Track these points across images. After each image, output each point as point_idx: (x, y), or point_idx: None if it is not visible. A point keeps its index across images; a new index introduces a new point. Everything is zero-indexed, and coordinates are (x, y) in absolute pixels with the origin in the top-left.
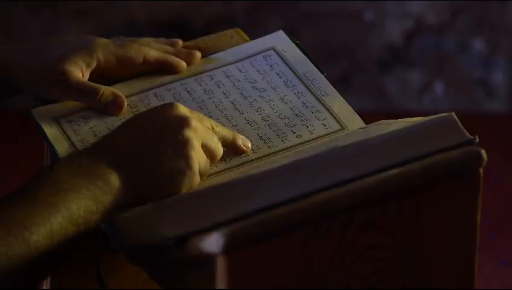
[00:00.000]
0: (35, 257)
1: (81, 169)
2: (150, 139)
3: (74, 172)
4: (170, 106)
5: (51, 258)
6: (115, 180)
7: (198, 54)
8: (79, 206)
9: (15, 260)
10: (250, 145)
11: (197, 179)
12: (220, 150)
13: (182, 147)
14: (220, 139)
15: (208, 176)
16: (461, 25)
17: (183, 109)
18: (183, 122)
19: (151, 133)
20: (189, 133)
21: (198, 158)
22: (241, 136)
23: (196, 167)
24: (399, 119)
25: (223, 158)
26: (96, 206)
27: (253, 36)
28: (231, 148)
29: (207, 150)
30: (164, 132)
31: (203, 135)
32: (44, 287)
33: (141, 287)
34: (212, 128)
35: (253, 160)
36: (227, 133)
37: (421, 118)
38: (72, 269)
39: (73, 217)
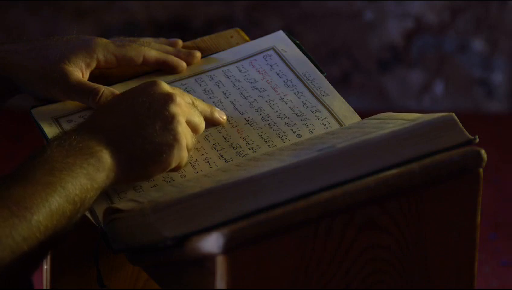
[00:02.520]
0: (38, 237)
1: (72, 149)
2: (137, 115)
3: (66, 152)
4: (153, 83)
5: (51, 238)
6: (106, 157)
7: (198, 54)
8: (74, 185)
9: (19, 240)
10: (225, 117)
11: (185, 153)
12: (202, 124)
13: (169, 122)
14: (200, 112)
15: (208, 174)
16: (461, 25)
17: (165, 86)
18: (168, 98)
19: (138, 110)
20: (174, 108)
21: (185, 133)
22: (217, 108)
23: (184, 141)
24: (397, 113)
25: (223, 157)
26: (91, 184)
27: (253, 36)
28: (209, 121)
29: (190, 125)
30: (151, 108)
31: (187, 110)
32: (44, 287)
33: (141, 287)
34: (193, 103)
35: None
36: (205, 106)
37: (419, 114)
38: (72, 269)
39: (70, 196)
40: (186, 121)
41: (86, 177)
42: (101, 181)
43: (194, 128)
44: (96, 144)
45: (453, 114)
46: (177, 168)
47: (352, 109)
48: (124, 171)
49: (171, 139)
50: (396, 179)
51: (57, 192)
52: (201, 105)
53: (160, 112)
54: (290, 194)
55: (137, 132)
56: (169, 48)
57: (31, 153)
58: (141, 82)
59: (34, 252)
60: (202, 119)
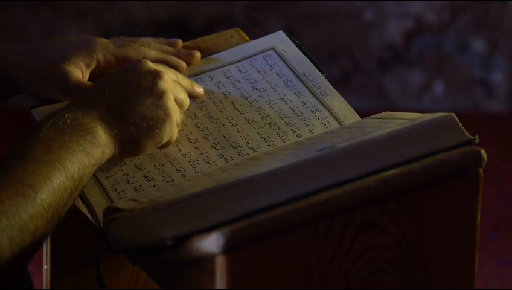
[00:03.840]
0: (43, 214)
1: (67, 126)
2: (127, 93)
3: (61, 130)
4: (138, 62)
5: (54, 215)
6: (101, 133)
7: (198, 54)
8: (73, 161)
9: (26, 218)
10: (202, 89)
11: (175, 128)
12: (187, 100)
13: (159, 98)
14: (183, 86)
15: (207, 174)
16: (461, 25)
17: (150, 64)
18: (156, 75)
19: (127, 87)
20: (163, 84)
21: (174, 108)
22: (195, 82)
23: (174, 116)
24: (397, 113)
25: (222, 157)
26: (88, 160)
27: (253, 36)
28: (191, 95)
29: (177, 101)
30: (140, 86)
31: (173, 87)
32: (44, 287)
33: (141, 287)
34: (176, 77)
35: None
36: (186, 81)
37: (419, 114)
38: (72, 269)
39: (70, 172)
40: (173, 97)
41: (83, 154)
42: (97, 157)
43: (180, 104)
44: (90, 120)
45: (453, 114)
46: (168, 144)
47: (352, 109)
48: (118, 146)
49: (162, 115)
50: (396, 179)
51: (57, 169)
52: (183, 80)
53: (149, 88)
54: (290, 194)
55: (129, 108)
56: (169, 48)
57: (25, 133)
58: None
59: (40, 230)
60: (187, 95)
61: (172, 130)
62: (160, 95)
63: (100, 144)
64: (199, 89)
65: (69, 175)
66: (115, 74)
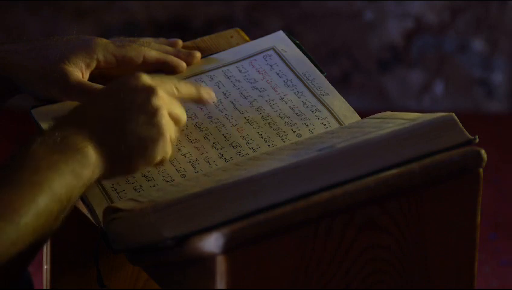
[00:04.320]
0: (26, 239)
1: (57, 145)
2: (120, 109)
3: (51, 149)
4: (133, 76)
5: (39, 238)
6: (91, 152)
7: (198, 54)
8: (61, 183)
9: (7, 243)
10: (213, 93)
11: (169, 146)
12: (184, 116)
13: (152, 116)
14: (186, 97)
15: (207, 174)
16: (461, 25)
17: (145, 78)
18: (150, 91)
19: (120, 104)
20: (157, 101)
21: (168, 126)
22: (204, 87)
23: (168, 135)
24: (397, 113)
25: (223, 157)
26: (77, 181)
27: (253, 36)
28: (199, 102)
29: (172, 116)
30: (133, 102)
31: (168, 102)
32: (44, 287)
33: (141, 287)
34: (177, 89)
35: None
36: (191, 88)
37: (419, 114)
38: (72, 269)
39: (57, 194)
40: (168, 113)
41: (72, 175)
42: (86, 178)
43: (175, 120)
44: (81, 139)
45: (453, 114)
46: (162, 162)
47: (352, 109)
48: (109, 166)
49: (155, 133)
50: (396, 179)
51: (43, 192)
52: (186, 88)
53: (143, 106)
54: (290, 194)
55: (121, 126)
56: (169, 48)
57: (14, 152)
58: None
59: (23, 255)
60: (183, 110)
61: (165, 149)
62: (154, 112)
63: (90, 164)
64: (207, 92)
65: (56, 197)
66: (109, 89)
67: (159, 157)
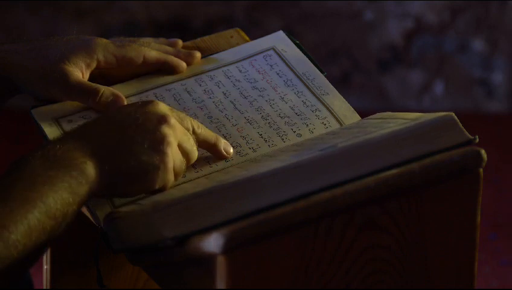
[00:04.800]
0: (15, 256)
1: (55, 160)
2: (127, 131)
3: (50, 164)
4: (151, 102)
5: (30, 255)
6: (90, 169)
7: (198, 54)
8: (55, 199)
9: None
10: (231, 150)
11: (171, 176)
12: (195, 153)
13: (158, 143)
14: (202, 141)
15: (208, 177)
16: (461, 25)
17: (163, 107)
18: (162, 118)
19: (129, 125)
20: (167, 130)
21: (174, 156)
22: (224, 140)
23: (171, 165)
24: (397, 113)
25: None
26: (73, 198)
27: (253, 36)
28: (213, 152)
29: (182, 150)
30: (142, 126)
31: (180, 135)
32: (44, 287)
33: (141, 287)
34: (193, 130)
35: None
36: (209, 135)
37: (419, 113)
38: (72, 269)
39: (51, 211)
40: (178, 145)
41: (68, 191)
42: (83, 195)
43: (185, 155)
44: (81, 155)
45: (453, 114)
46: (160, 191)
47: (352, 109)
48: (107, 185)
49: (157, 160)
50: (396, 179)
51: (37, 208)
52: (205, 133)
53: (151, 130)
54: (290, 194)
55: (125, 146)
56: (169, 48)
57: (13, 163)
58: (141, 82)
59: (10, 271)
60: (195, 148)
61: (165, 178)
62: (161, 139)
63: (87, 180)
64: (226, 149)
65: (51, 213)
66: (121, 110)
67: (157, 186)
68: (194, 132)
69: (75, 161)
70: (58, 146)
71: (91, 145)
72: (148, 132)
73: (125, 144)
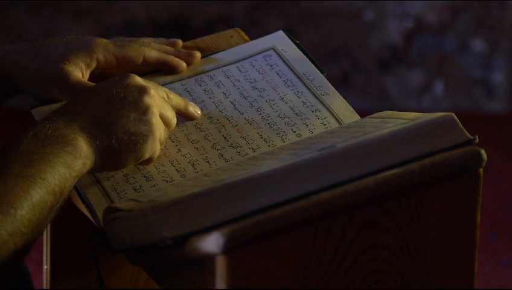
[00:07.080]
0: (22, 231)
1: (48, 138)
2: (112, 105)
3: (42, 142)
4: (127, 76)
5: (34, 230)
6: (82, 144)
7: (198, 54)
8: (53, 175)
9: (5, 236)
10: (199, 111)
11: (158, 145)
12: (174, 119)
13: (143, 113)
14: (174, 106)
15: (208, 173)
16: (461, 25)
17: (139, 79)
18: (143, 90)
19: (112, 100)
20: (149, 100)
21: (158, 125)
22: (192, 103)
23: (157, 133)
24: (396, 112)
25: (223, 157)
26: (69, 172)
27: (253, 36)
28: (184, 115)
29: (163, 118)
30: (125, 99)
31: (160, 104)
32: (44, 287)
33: (141, 287)
34: (167, 96)
35: None
36: (179, 100)
37: (419, 113)
38: (72, 269)
39: (50, 186)
40: (159, 114)
41: (64, 166)
42: (78, 169)
43: (166, 122)
44: (72, 131)
45: (453, 114)
46: (149, 160)
47: (352, 109)
48: (99, 159)
49: (145, 130)
50: (396, 179)
51: (37, 184)
52: (176, 99)
53: (135, 102)
54: (290, 194)
55: (112, 121)
56: (169, 48)
57: (6, 145)
58: None
59: (20, 247)
60: (174, 114)
61: (154, 147)
62: (145, 110)
63: (81, 155)
64: (194, 110)
65: (50, 189)
66: (102, 85)
67: (147, 155)
68: (168, 99)
69: (66, 137)
70: (48, 125)
71: (79, 123)
72: (131, 104)
73: (112, 119)
